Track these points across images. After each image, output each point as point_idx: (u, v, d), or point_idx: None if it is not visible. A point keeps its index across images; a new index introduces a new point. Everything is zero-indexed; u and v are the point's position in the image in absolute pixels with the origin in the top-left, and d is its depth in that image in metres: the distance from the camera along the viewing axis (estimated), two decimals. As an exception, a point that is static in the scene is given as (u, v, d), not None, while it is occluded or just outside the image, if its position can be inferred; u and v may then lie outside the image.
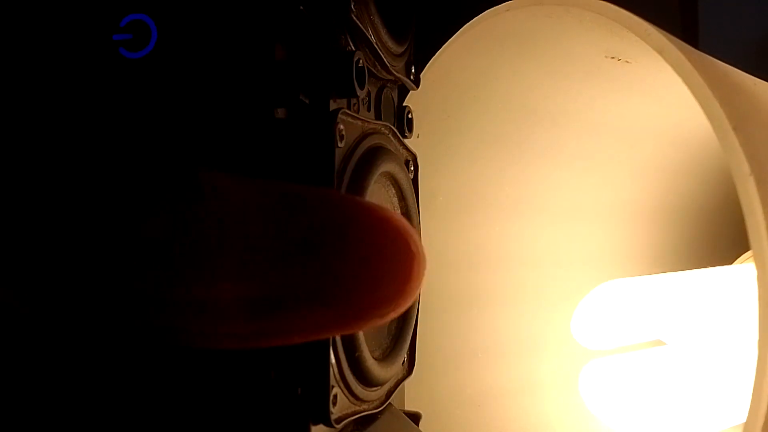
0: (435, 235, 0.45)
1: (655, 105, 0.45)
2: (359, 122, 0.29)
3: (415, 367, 0.36)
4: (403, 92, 0.38)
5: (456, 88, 0.44)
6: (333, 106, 0.27)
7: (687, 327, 0.43)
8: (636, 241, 0.51)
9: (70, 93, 0.24)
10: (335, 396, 0.27)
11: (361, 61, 0.28)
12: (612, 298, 0.44)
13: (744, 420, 0.40)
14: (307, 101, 0.26)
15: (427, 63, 0.42)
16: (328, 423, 0.26)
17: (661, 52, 0.33)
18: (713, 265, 0.45)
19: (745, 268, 0.45)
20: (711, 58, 0.38)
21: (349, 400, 0.28)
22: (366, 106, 0.32)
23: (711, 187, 0.51)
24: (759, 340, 0.30)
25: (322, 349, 0.26)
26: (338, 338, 0.27)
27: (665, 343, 0.45)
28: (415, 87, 0.37)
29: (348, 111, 0.28)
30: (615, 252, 0.50)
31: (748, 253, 0.47)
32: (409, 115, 0.37)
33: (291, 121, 0.25)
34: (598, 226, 0.50)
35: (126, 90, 0.24)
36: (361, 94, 0.28)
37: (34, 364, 0.26)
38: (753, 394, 0.30)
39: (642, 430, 0.43)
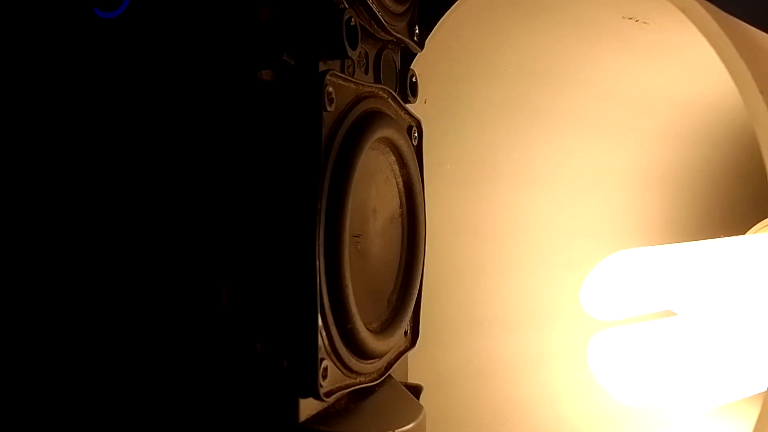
0: (442, 203, 0.44)
1: (670, 69, 0.44)
2: (352, 85, 0.28)
3: (419, 339, 0.35)
4: (407, 55, 0.36)
5: (464, 51, 0.42)
6: (322, 67, 0.26)
7: (698, 298, 0.42)
8: (647, 210, 0.50)
9: (45, 55, 0.24)
10: (326, 369, 0.26)
11: (353, 19, 0.26)
12: (622, 269, 0.42)
13: (757, 391, 0.39)
14: (292, 62, 0.25)
15: (435, 25, 0.41)
16: (317, 396, 0.25)
17: (684, 10, 0.32)
18: (725, 235, 0.43)
19: (758, 239, 0.44)
20: (735, 18, 0.36)
21: (342, 372, 0.28)
22: (363, 68, 0.31)
23: (724, 155, 0.50)
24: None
25: (310, 319, 0.25)
26: (328, 310, 0.26)
27: (675, 313, 0.44)
28: (419, 48, 0.36)
29: (339, 73, 0.26)
30: (626, 221, 0.49)
31: (761, 224, 0.46)
32: (413, 79, 0.36)
33: (277, 83, 0.24)
34: (609, 194, 0.48)
35: (101, 51, 0.23)
36: (354, 55, 0.27)
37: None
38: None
39: (651, 402, 0.42)
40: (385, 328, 0.31)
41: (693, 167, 0.50)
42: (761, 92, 0.28)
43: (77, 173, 0.24)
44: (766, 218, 0.47)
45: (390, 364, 0.32)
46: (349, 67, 0.29)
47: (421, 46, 0.36)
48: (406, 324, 0.33)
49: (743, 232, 0.47)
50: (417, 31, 0.35)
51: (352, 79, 0.28)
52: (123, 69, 0.23)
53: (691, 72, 0.42)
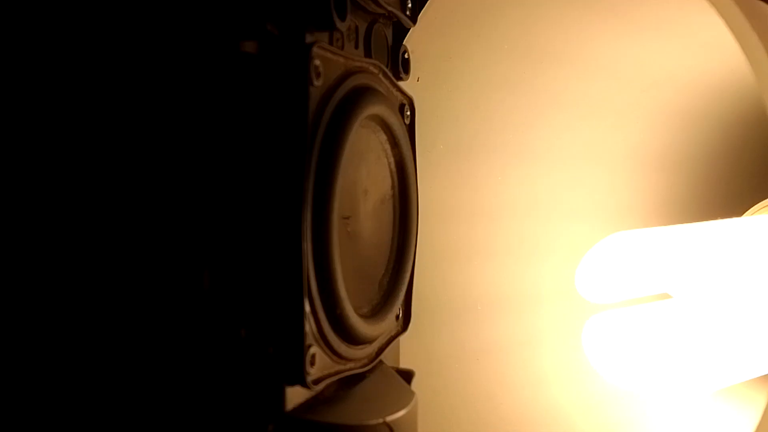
0: (435, 183, 0.43)
1: (671, 46, 0.43)
2: (341, 59, 0.27)
3: (411, 322, 0.35)
4: (399, 30, 0.35)
5: (459, 27, 0.41)
6: (309, 39, 0.25)
7: (695, 280, 0.41)
8: (644, 190, 0.49)
9: (13, 23, 0.22)
10: (313, 355, 0.25)
11: (341, -11, 0.25)
12: (618, 251, 0.42)
13: (756, 375, 0.38)
14: (277, 33, 0.23)
15: (428, -1, 0.40)
16: (304, 384, 0.24)
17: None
18: (722, 216, 0.43)
19: (756, 220, 0.43)
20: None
21: (330, 359, 0.27)
22: (353, 42, 0.29)
23: (722, 135, 0.49)
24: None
25: (296, 304, 0.24)
26: (315, 294, 0.25)
27: (671, 296, 0.43)
28: (411, 23, 0.35)
29: (326, 45, 0.25)
30: (621, 202, 0.48)
31: (759, 205, 0.45)
32: (405, 55, 0.35)
33: (261, 55, 0.23)
34: (604, 175, 0.48)
35: (73, 19, 0.22)
36: (343, 27, 0.25)
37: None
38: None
39: (647, 387, 0.41)
40: (376, 312, 0.30)
41: (690, 147, 0.49)
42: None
43: (49, 153, 0.22)
44: (763, 200, 0.46)
45: (381, 350, 0.32)
46: (337, 40, 0.28)
47: (414, 20, 0.35)
48: (397, 308, 0.33)
49: (740, 214, 0.47)
50: (410, 5, 0.34)
51: (341, 53, 0.27)
52: (96, 39, 0.22)
53: (691, 50, 0.41)
